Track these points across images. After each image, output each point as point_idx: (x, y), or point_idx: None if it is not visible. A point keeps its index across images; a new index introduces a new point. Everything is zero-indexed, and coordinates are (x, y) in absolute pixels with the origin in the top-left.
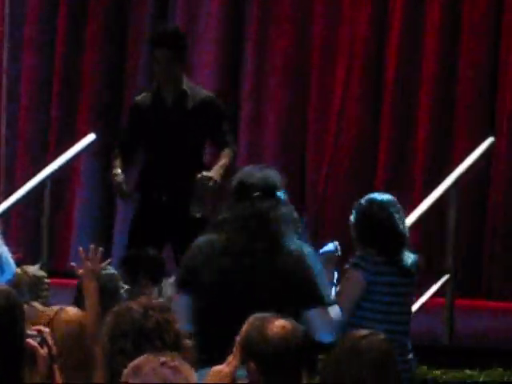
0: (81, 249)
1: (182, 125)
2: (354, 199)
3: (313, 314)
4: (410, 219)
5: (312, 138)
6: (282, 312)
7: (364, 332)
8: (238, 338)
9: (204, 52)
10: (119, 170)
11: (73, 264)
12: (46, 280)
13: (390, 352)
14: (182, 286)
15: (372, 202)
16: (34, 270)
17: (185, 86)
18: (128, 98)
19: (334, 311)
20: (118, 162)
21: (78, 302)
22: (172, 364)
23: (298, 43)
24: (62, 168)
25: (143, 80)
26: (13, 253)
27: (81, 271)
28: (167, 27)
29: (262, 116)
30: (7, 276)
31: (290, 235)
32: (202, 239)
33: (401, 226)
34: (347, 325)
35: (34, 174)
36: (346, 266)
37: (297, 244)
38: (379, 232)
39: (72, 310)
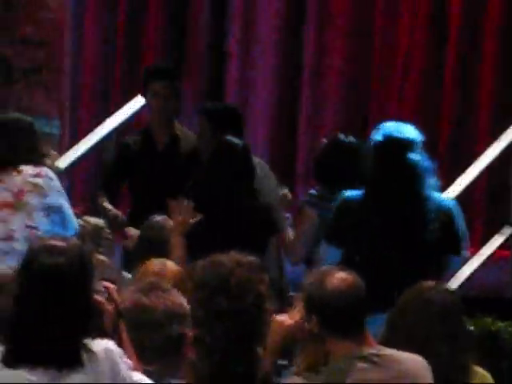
0: (171, 201)
1: (173, 170)
2: None
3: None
4: (474, 172)
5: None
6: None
7: (430, 283)
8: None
9: (262, 54)
10: (110, 205)
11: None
12: (107, 230)
13: (457, 302)
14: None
15: None
16: (94, 220)
17: (177, 130)
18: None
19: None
20: (105, 199)
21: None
22: None
23: (358, 48)
24: (124, 123)
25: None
26: (75, 207)
27: (171, 224)
28: (165, 62)
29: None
30: (70, 231)
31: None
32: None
33: None
34: None
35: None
36: None
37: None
38: None
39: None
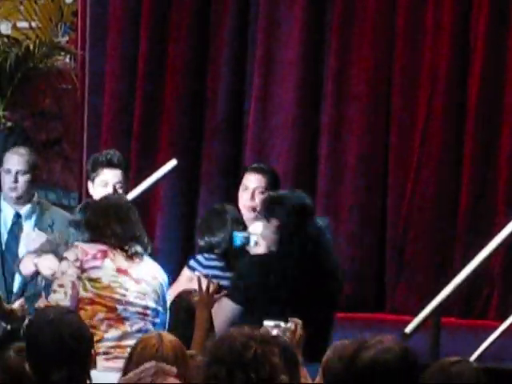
0: (198, 275)
1: None
2: (437, 222)
3: None
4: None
5: (394, 161)
6: None
7: (454, 359)
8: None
9: (283, 73)
10: None
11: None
12: None
13: (481, 380)
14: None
15: None
16: None
17: None
18: (208, 122)
19: None
20: None
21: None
22: None
23: (379, 68)
24: (144, 193)
25: (222, 104)
26: None
27: (196, 299)
28: (111, 151)
29: (343, 140)
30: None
31: None
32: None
33: None
34: None
35: None
36: None
37: None
38: None
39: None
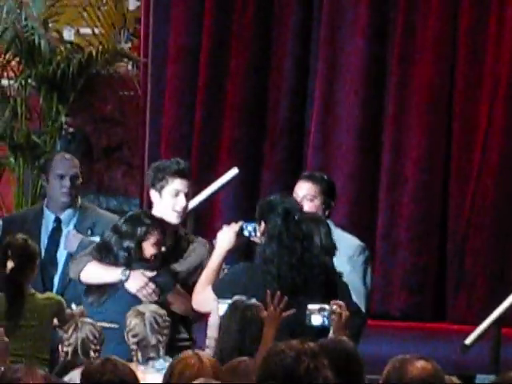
0: (268, 292)
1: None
2: (497, 232)
3: None
4: None
5: (455, 169)
6: None
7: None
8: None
9: (347, 82)
10: None
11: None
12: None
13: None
14: None
15: None
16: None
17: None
18: (270, 131)
19: None
20: None
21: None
22: None
23: (440, 76)
24: (205, 201)
25: (284, 110)
26: None
27: (265, 314)
28: (180, 160)
29: (404, 148)
30: None
31: None
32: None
33: None
34: None
35: None
36: None
37: None
38: None
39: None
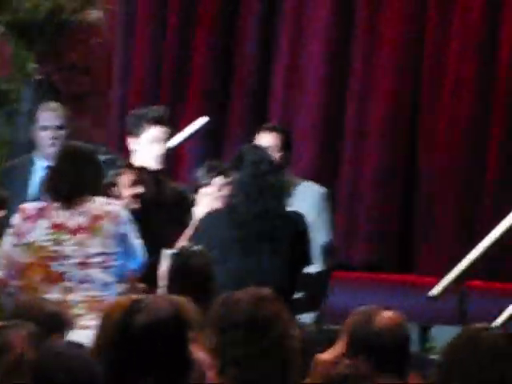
0: None
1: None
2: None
3: None
4: None
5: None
6: None
7: (480, 326)
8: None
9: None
10: None
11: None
12: None
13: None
14: None
15: None
16: None
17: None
18: (237, 82)
19: None
20: None
21: None
22: None
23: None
24: (173, 149)
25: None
26: None
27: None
28: (158, 107)
29: (370, 98)
30: (133, 264)
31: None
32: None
33: None
34: None
35: None
36: None
37: None
38: None
39: None
